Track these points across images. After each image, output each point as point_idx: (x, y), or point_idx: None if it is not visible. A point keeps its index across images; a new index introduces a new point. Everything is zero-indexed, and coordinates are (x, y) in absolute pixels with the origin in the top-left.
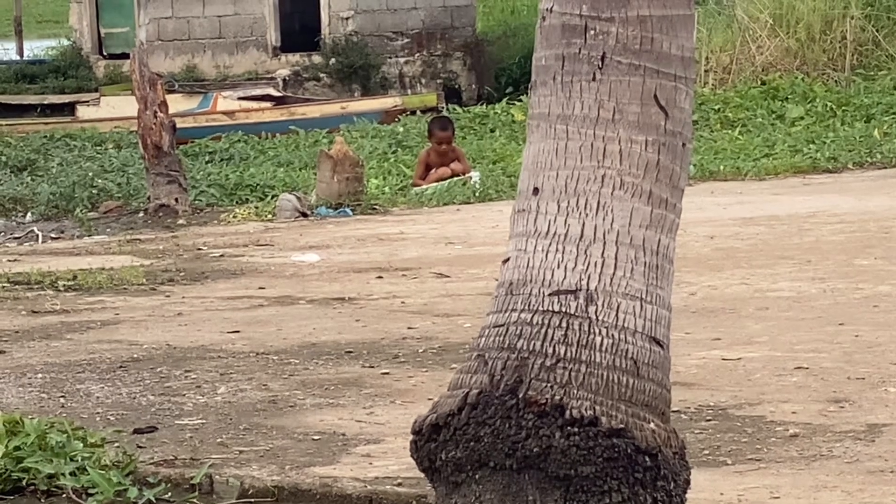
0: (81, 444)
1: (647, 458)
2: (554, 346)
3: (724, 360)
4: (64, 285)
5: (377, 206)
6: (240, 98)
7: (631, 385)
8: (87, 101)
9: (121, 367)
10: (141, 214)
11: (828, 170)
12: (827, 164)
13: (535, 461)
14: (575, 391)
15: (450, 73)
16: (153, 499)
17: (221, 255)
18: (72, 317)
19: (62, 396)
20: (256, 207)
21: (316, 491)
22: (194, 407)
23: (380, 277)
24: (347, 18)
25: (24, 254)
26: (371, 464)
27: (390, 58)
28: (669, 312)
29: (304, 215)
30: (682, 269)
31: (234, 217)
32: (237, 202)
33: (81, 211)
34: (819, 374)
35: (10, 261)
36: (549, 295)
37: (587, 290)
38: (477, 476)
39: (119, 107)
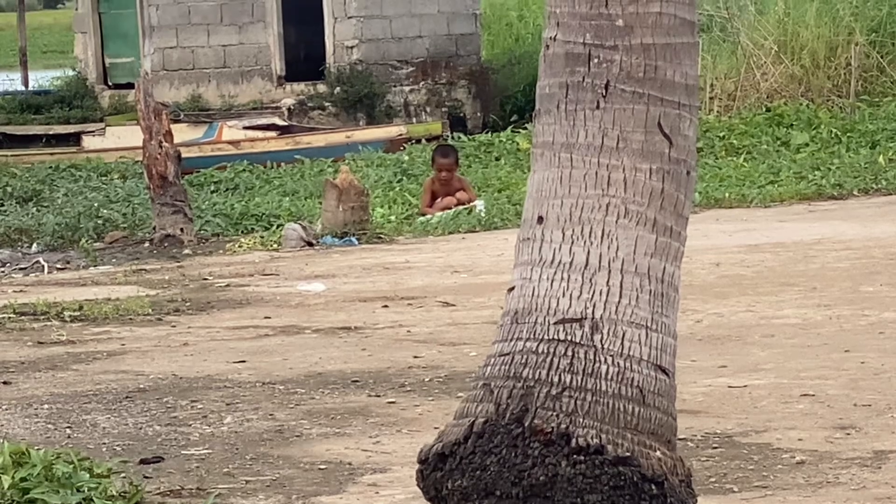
0: (88, 475)
1: (654, 486)
2: (559, 375)
3: (730, 387)
4: (70, 316)
5: (382, 235)
6: (245, 127)
7: (637, 413)
8: (93, 132)
9: (127, 397)
10: (146, 244)
11: (833, 196)
12: (832, 191)
13: (542, 490)
14: (581, 420)
15: (455, 101)
16: None
17: (227, 285)
18: (78, 347)
19: (68, 427)
20: (262, 237)
21: None
22: (201, 437)
23: (385, 306)
24: (352, 47)
25: (29, 284)
26: (377, 493)
27: (395, 86)
28: (675, 340)
29: (310, 244)
30: (688, 296)
31: (240, 247)
32: (242, 232)
33: (87, 241)
34: (825, 400)
35: (15, 291)
36: (555, 323)
37: (592, 318)
38: None
39: (124, 137)
